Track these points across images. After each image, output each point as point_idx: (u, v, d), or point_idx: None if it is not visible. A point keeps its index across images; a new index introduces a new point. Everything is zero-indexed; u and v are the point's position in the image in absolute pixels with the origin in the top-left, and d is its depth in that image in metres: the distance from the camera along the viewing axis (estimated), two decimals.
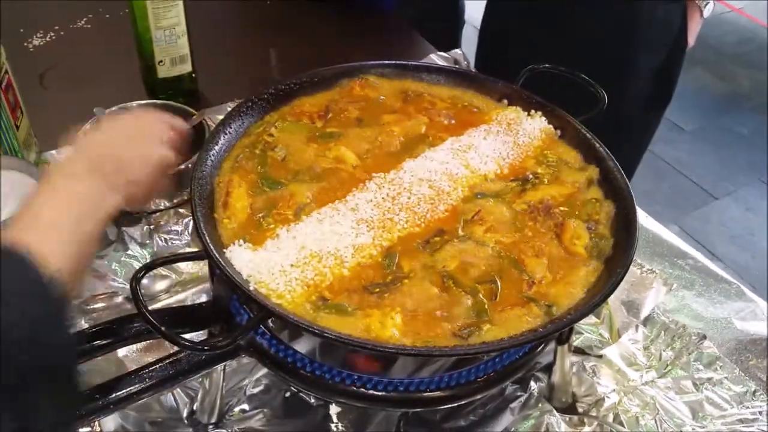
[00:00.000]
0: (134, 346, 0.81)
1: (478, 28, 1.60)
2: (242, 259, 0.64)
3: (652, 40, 1.44)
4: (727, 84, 3.58)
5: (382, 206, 0.72)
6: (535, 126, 0.84)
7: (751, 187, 2.95)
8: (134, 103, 1.01)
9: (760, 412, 0.80)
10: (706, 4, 1.45)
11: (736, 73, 3.66)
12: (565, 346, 0.75)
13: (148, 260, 0.90)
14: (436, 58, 1.33)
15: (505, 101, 0.88)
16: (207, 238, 0.63)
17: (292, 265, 0.64)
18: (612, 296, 0.88)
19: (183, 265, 0.89)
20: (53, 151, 1.04)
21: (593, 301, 0.62)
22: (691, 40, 1.47)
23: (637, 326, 0.87)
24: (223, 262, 0.61)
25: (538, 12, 1.44)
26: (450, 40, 1.65)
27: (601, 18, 1.38)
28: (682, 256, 0.99)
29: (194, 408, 0.77)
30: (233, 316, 0.67)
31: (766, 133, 3.27)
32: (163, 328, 0.56)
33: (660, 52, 1.46)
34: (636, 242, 0.67)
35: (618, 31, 1.40)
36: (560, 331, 0.62)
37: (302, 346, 0.65)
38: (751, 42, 3.92)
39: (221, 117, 0.79)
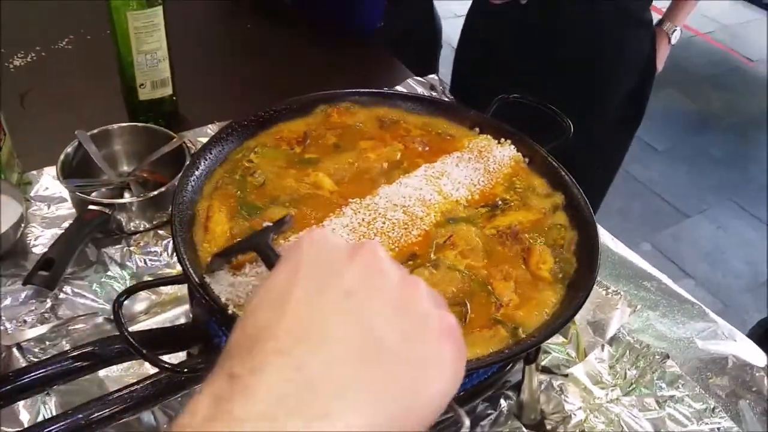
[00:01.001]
0: (116, 367, 0.82)
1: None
2: (222, 283, 0.66)
3: (622, 66, 1.50)
4: (699, 105, 3.68)
5: (357, 231, 0.75)
6: (504, 154, 0.88)
7: (722, 206, 3.03)
8: (115, 126, 1.03)
9: (718, 428, 0.83)
10: (674, 31, 1.51)
11: (708, 94, 3.77)
12: (533, 366, 0.78)
13: (127, 281, 0.92)
14: (413, 83, 1.37)
15: (477, 129, 0.92)
16: (187, 262, 0.65)
17: None
18: (578, 317, 0.93)
19: (162, 288, 0.90)
20: (34, 172, 1.06)
21: (556, 324, 0.65)
22: (660, 65, 1.53)
23: (603, 346, 0.91)
24: (202, 287, 0.63)
25: (511, 42, 1.49)
26: (428, 61, 1.69)
27: (573, 46, 1.43)
28: (648, 278, 1.03)
29: None
30: (212, 337, 0.70)
31: (736, 153, 3.37)
32: (144, 351, 0.58)
33: (630, 77, 1.52)
34: (597, 267, 0.70)
35: (590, 58, 1.45)
36: (525, 352, 0.64)
37: None
38: (722, 64, 4.04)
39: (202, 139, 0.82)
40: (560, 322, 0.65)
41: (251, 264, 0.69)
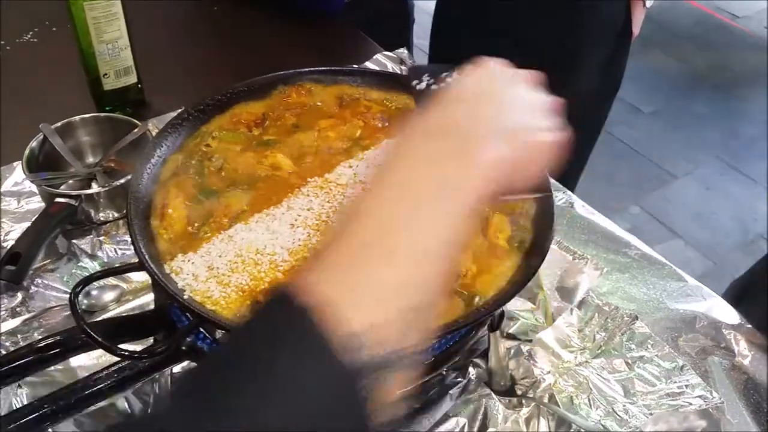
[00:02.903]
0: (89, 356, 0.83)
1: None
2: (185, 270, 0.67)
3: (597, 36, 1.49)
4: (684, 65, 3.66)
5: (316, 210, 0.75)
6: None
7: (709, 164, 3.03)
8: (77, 118, 1.03)
9: (686, 386, 0.84)
10: None
11: (693, 53, 3.74)
12: (497, 333, 0.79)
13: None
14: (382, 58, 1.36)
15: None
16: (142, 249, 0.66)
17: (227, 272, 0.67)
18: (546, 282, 0.94)
19: (132, 275, 0.91)
20: (2, 167, 1.06)
21: (508, 292, 0.66)
22: (636, 29, 1.52)
23: (571, 309, 0.91)
24: (157, 272, 0.64)
25: (485, 16, 1.48)
26: (400, 39, 1.68)
27: (547, 20, 1.42)
28: (617, 242, 1.03)
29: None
30: (175, 323, 0.70)
31: (723, 111, 3.36)
32: (100, 339, 0.59)
33: (606, 47, 1.51)
34: (552, 234, 0.71)
35: (563, 32, 1.44)
36: (479, 320, 0.65)
37: None
38: (706, 23, 4.01)
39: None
40: (512, 290, 0.66)
41: (208, 248, 0.70)
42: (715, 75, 3.58)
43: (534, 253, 0.70)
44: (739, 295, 1.10)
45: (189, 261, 0.68)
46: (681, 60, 3.69)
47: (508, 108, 0.49)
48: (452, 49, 1.61)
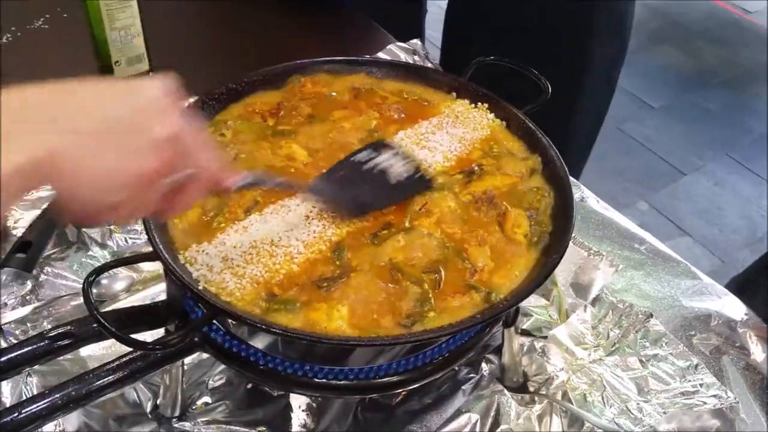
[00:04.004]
0: (98, 346, 0.83)
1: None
2: (199, 260, 0.66)
3: (605, 30, 1.47)
4: (695, 60, 3.62)
5: None
6: (481, 118, 0.87)
7: (718, 162, 3.01)
8: None
9: (701, 384, 0.83)
10: None
11: (704, 49, 3.71)
12: (512, 329, 0.78)
13: (108, 260, 0.92)
14: (395, 49, 1.35)
15: (454, 94, 0.91)
16: (156, 239, 0.65)
17: (242, 264, 0.66)
18: (561, 279, 0.93)
19: (143, 264, 0.90)
20: None
21: (527, 288, 0.65)
22: None
23: (585, 306, 0.91)
24: (172, 263, 0.63)
25: (498, 8, 1.46)
26: (413, 29, 1.67)
27: (558, 15, 1.41)
28: (632, 238, 1.02)
29: (157, 403, 0.80)
30: (188, 313, 0.70)
31: (733, 107, 3.33)
32: (113, 329, 0.58)
33: (618, 37, 1.49)
34: (572, 229, 0.69)
35: (574, 25, 1.42)
36: (497, 316, 0.64)
37: (255, 340, 0.68)
38: (718, 18, 3.97)
39: None
40: (532, 285, 0.65)
41: (222, 239, 0.69)
42: (727, 71, 3.55)
43: (553, 249, 0.69)
44: (739, 290, 1.09)
45: (203, 251, 0.67)
46: (692, 55, 3.65)
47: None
48: (465, 42, 1.59)
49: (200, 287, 0.63)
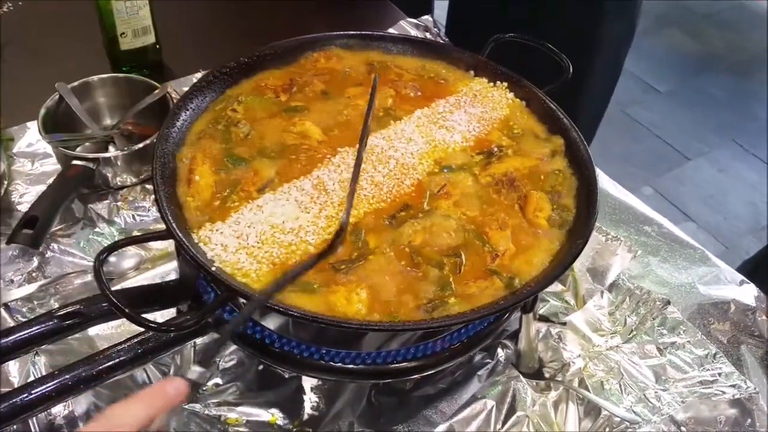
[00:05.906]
0: (107, 325, 0.81)
1: None
2: (213, 240, 0.64)
3: (615, 11, 1.44)
4: (701, 45, 3.58)
5: (347, 182, 0.72)
6: (501, 97, 0.84)
7: (724, 148, 2.98)
8: (95, 78, 0.99)
9: (719, 374, 0.82)
10: None
11: (710, 33, 3.67)
12: (530, 315, 0.76)
13: (116, 237, 0.90)
14: (406, 25, 1.32)
15: (472, 72, 0.88)
16: (170, 217, 0.63)
17: (257, 244, 0.64)
18: (577, 264, 0.91)
19: (151, 242, 0.88)
20: (16, 127, 1.02)
21: (552, 274, 0.63)
22: None
23: (602, 292, 0.89)
24: (186, 242, 0.61)
25: None
26: (423, 5, 1.63)
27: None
28: (648, 223, 1.00)
29: None
30: (201, 294, 0.68)
31: (739, 93, 3.30)
32: (126, 309, 0.56)
33: (628, 18, 1.46)
34: (596, 214, 0.67)
35: (584, 4, 1.40)
36: (520, 302, 0.63)
37: (270, 322, 0.66)
38: (724, 1, 3.92)
39: (187, 89, 0.78)
40: (557, 271, 0.63)
41: (236, 218, 0.67)
42: (733, 55, 3.51)
43: (577, 232, 0.67)
44: (749, 276, 1.07)
45: (217, 230, 0.65)
46: (698, 39, 3.61)
47: None
48: (471, 16, 1.56)
49: (215, 267, 0.61)
